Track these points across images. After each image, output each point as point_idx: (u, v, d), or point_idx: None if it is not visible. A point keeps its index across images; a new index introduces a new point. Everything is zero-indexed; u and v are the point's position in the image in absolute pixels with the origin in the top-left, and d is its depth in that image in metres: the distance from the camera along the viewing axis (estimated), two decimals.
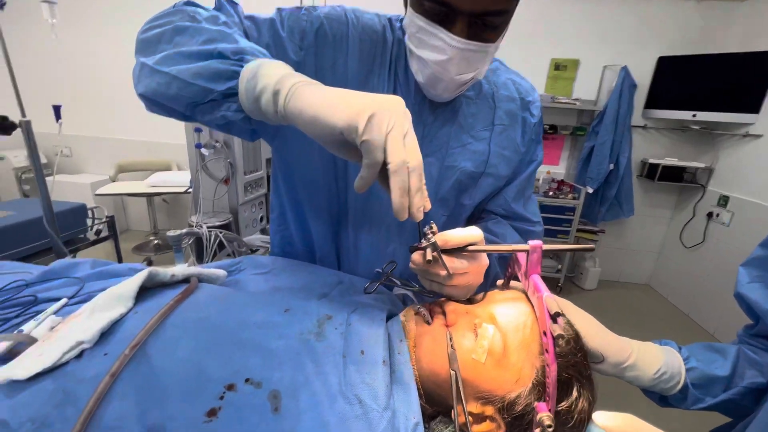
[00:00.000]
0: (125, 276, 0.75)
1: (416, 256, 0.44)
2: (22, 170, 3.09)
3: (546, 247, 0.42)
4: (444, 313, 0.43)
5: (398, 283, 0.52)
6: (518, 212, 0.73)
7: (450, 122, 0.66)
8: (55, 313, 0.57)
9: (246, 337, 0.40)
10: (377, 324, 0.43)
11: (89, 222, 1.66)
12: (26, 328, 0.53)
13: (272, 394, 0.35)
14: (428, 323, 0.43)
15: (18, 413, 0.37)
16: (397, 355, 0.42)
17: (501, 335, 0.40)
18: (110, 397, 0.37)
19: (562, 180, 3.06)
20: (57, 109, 1.39)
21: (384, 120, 0.37)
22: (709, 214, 2.75)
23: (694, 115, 2.66)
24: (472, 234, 0.45)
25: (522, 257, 0.44)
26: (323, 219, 0.68)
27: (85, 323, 0.45)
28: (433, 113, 0.65)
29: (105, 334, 0.44)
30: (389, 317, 0.47)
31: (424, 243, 0.42)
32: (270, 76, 0.42)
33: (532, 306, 0.42)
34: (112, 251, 1.84)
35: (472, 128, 0.67)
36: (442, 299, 0.46)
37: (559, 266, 3.06)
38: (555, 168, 3.19)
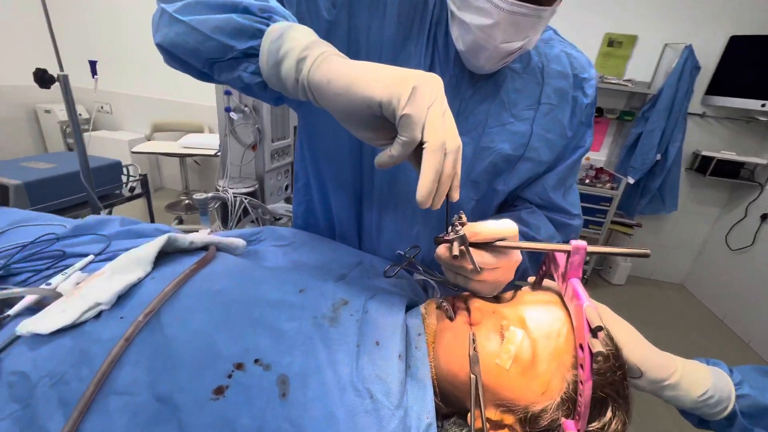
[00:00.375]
0: (151, 236, 0.76)
1: (442, 249, 0.40)
2: (66, 124, 3.22)
3: (591, 249, 0.37)
4: (468, 310, 0.40)
5: (420, 269, 0.49)
6: (556, 203, 0.67)
7: (490, 98, 0.60)
8: (81, 269, 0.58)
9: (258, 316, 0.38)
10: (395, 314, 0.40)
11: (124, 179, 1.71)
12: (54, 281, 0.55)
13: (281, 379, 0.34)
14: (450, 319, 0.40)
15: (38, 367, 0.38)
16: (414, 349, 0.39)
17: (530, 341, 0.36)
18: (123, 361, 0.37)
19: (601, 168, 2.88)
20: (93, 65, 1.40)
21: (426, 94, 0.33)
22: (764, 216, 2.53)
23: (763, 105, 2.39)
24: (506, 228, 0.41)
25: (561, 257, 0.39)
26: (346, 195, 0.65)
27: (104, 284, 0.45)
28: (472, 86, 0.59)
29: (122, 297, 0.44)
30: (409, 307, 0.45)
31: (451, 234, 0.38)
32: (298, 40, 0.38)
33: (568, 313, 0.38)
34: (144, 209, 1.91)
35: (515, 106, 0.61)
36: (467, 294, 0.43)
37: (587, 257, 2.94)
38: (595, 154, 3.00)
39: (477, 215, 0.66)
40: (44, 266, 0.60)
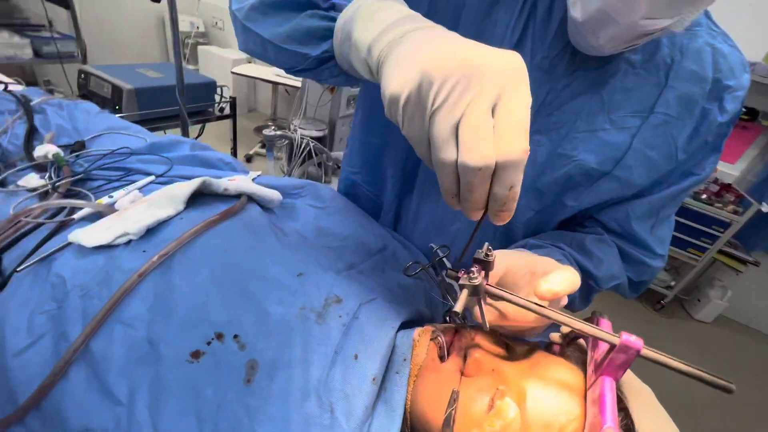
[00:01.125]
0: (213, 166, 0.81)
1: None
2: (185, 35, 3.50)
3: (648, 353, 0.27)
4: (465, 356, 0.34)
5: (443, 274, 0.43)
6: (639, 236, 0.55)
7: (588, 93, 0.47)
8: (140, 188, 0.63)
9: (252, 289, 0.38)
10: (386, 329, 0.37)
11: (217, 98, 1.83)
12: (116, 194, 0.60)
13: (250, 363, 0.34)
14: (441, 359, 0.35)
15: (74, 276, 0.43)
16: (394, 374, 0.36)
17: (522, 424, 0.30)
18: (134, 294, 0.39)
19: (728, 184, 2.36)
20: None
21: (448, 89, 0.26)
22: None
23: None
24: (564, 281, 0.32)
25: (603, 343, 0.31)
26: (391, 173, 0.60)
27: (140, 214, 0.48)
28: (569, 75, 0.47)
29: (151, 231, 0.46)
30: (413, 321, 0.41)
31: (463, 277, 0.31)
32: (362, 40, 0.33)
33: (585, 410, 0.30)
34: (233, 129, 2.05)
35: (617, 109, 0.48)
36: (473, 333, 0.36)
37: (673, 282, 2.55)
38: (726, 166, 2.45)
39: (532, 229, 0.57)
40: (115, 177, 0.67)
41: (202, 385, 0.32)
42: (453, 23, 0.47)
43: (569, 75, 0.47)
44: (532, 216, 0.55)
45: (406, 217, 0.62)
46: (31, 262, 0.46)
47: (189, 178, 0.66)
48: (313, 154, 1.26)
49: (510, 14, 0.46)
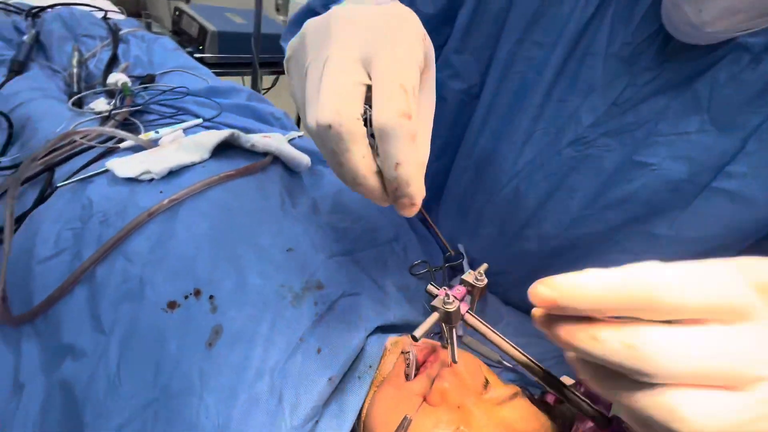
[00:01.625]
0: (264, 120, 0.82)
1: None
2: None
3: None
4: (432, 381, 0.30)
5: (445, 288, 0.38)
6: None
7: (680, 88, 0.37)
8: (186, 129, 0.65)
9: (240, 254, 0.37)
10: (359, 331, 0.34)
11: None
12: (162, 131, 0.63)
13: (216, 329, 0.33)
14: (407, 377, 0.31)
15: (100, 202, 0.45)
16: (356, 378, 0.33)
17: None
18: (141, 231, 0.41)
19: None
20: None
21: (316, 43, 0.24)
22: None
23: None
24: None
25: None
26: (433, 158, 0.56)
27: (168, 156, 0.49)
28: (657, 67, 0.36)
29: (173, 173, 0.48)
30: (392, 327, 0.37)
31: (440, 296, 0.25)
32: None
33: None
34: None
35: (725, 105, 0.36)
36: (450, 363, 0.31)
37: None
38: None
39: (597, 257, 0.47)
40: (168, 114, 0.71)
41: (169, 337, 0.33)
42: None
43: (657, 67, 0.37)
44: (594, 239, 0.46)
45: (434, 210, 0.58)
46: (73, 180, 0.50)
47: (233, 126, 0.67)
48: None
49: None
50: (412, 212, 0.25)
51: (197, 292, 0.35)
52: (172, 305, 0.35)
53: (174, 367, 0.32)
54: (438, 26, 0.48)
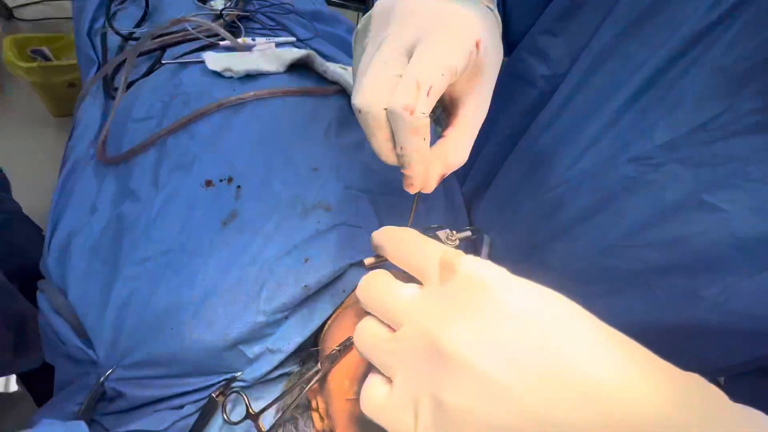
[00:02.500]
0: (351, 55, 0.84)
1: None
2: None
3: None
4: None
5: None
6: None
7: None
8: (278, 44, 0.70)
9: (273, 160, 0.42)
10: (342, 258, 0.36)
11: None
12: (258, 40, 0.68)
13: (233, 212, 0.38)
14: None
15: (188, 85, 0.53)
16: (328, 296, 0.36)
17: None
18: (207, 118, 0.47)
19: None
20: None
21: (376, 26, 0.25)
22: None
23: None
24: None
25: None
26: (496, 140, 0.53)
27: (250, 60, 0.54)
28: None
29: (249, 76, 0.52)
30: (377, 266, 0.39)
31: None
32: None
33: None
34: None
35: None
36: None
37: None
38: None
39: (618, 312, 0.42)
40: (269, 26, 0.76)
41: (198, 207, 0.39)
42: None
43: None
44: (623, 276, 0.41)
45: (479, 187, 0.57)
46: (175, 61, 0.57)
47: (320, 53, 0.70)
48: None
49: None
50: (411, 190, 0.27)
51: (230, 179, 0.40)
52: (208, 183, 0.40)
53: (193, 230, 0.38)
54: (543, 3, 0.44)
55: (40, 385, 0.82)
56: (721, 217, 0.32)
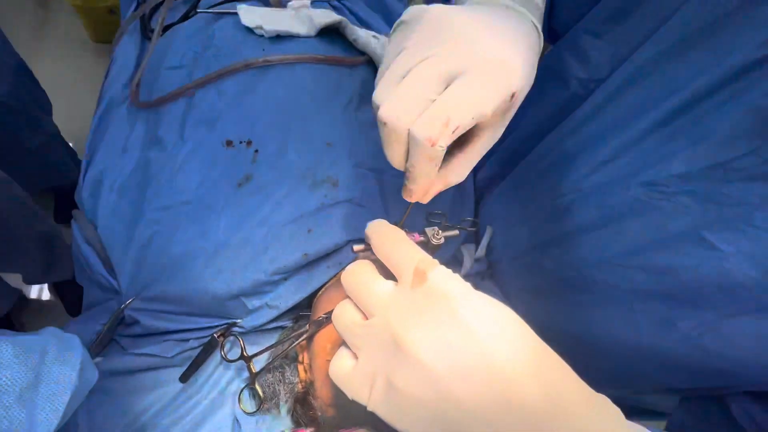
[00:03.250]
0: (389, 23, 0.81)
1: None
2: None
3: None
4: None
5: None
6: None
7: None
8: (312, 2, 0.68)
9: (291, 128, 0.43)
10: (342, 234, 0.39)
11: None
12: None
13: (248, 175, 0.41)
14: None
15: (219, 38, 0.54)
16: (325, 266, 0.39)
17: None
18: (235, 75, 0.48)
19: None
20: None
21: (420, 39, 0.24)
22: None
23: None
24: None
25: None
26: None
27: (282, 20, 0.54)
28: None
29: (280, 37, 0.53)
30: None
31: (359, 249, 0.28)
32: None
33: None
34: None
35: None
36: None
37: None
38: None
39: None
40: None
41: (217, 165, 0.42)
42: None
43: None
44: (608, 292, 0.41)
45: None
46: (210, 11, 0.58)
47: (356, 15, 0.69)
48: None
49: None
50: (409, 199, 0.28)
51: (249, 142, 0.42)
52: (229, 143, 0.43)
53: (211, 186, 0.41)
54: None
55: (70, 296, 0.92)
56: (716, 255, 0.33)
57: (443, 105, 0.22)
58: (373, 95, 0.24)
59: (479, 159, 0.27)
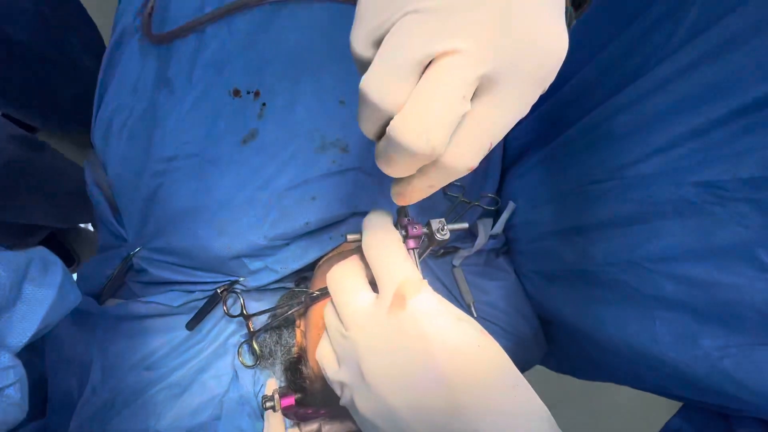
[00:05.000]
0: None
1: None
2: None
3: None
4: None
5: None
6: None
7: None
8: None
9: (301, 80, 0.39)
10: (346, 207, 0.36)
11: None
12: None
13: (253, 131, 0.38)
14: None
15: None
16: (327, 237, 0.38)
17: None
18: (247, 13, 0.43)
19: None
20: None
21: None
22: None
23: None
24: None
25: None
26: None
27: None
28: None
29: None
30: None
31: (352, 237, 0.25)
32: None
33: None
34: None
35: None
36: None
37: None
38: None
39: None
40: None
41: (222, 118, 0.39)
42: None
43: None
44: (624, 292, 0.37)
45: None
46: None
47: None
48: None
49: None
50: (400, 200, 0.22)
51: (257, 93, 0.39)
52: (236, 93, 0.40)
53: (216, 141, 0.39)
54: None
55: None
56: (765, 278, 0.28)
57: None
58: (362, 82, 0.17)
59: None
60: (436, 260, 0.50)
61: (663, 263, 0.34)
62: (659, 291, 0.34)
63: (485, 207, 0.49)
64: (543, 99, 0.50)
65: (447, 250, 0.51)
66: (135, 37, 0.50)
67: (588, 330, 0.42)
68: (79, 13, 0.76)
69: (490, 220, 0.51)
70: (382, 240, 0.21)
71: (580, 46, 0.40)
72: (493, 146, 0.18)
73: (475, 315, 0.48)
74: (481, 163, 0.52)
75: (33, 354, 0.36)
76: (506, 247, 0.55)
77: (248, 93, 0.39)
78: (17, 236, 0.78)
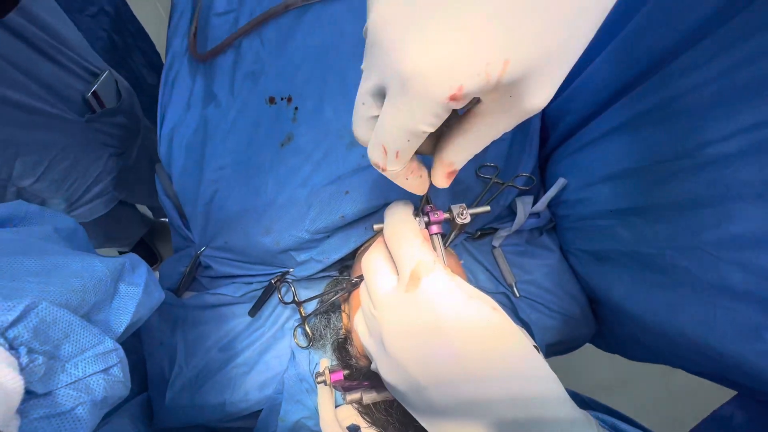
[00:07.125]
0: None
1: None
2: None
3: None
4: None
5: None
6: None
7: None
8: None
9: (328, 81, 0.41)
10: (379, 198, 0.38)
11: None
12: None
13: (289, 135, 0.41)
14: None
15: None
16: (364, 228, 0.40)
17: None
18: (275, 21, 0.46)
19: None
20: None
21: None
22: None
23: None
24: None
25: None
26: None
27: None
28: None
29: None
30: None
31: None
32: None
33: None
34: None
35: None
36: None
37: None
38: None
39: None
40: None
41: (262, 126, 0.42)
42: None
43: None
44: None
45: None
46: None
47: None
48: None
49: None
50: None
51: (289, 99, 0.42)
52: (271, 100, 0.43)
53: (258, 148, 0.42)
54: None
55: None
56: None
57: (377, 131, 0.18)
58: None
59: (480, 148, 0.20)
60: (475, 242, 0.51)
61: (732, 250, 0.31)
62: (724, 280, 0.32)
63: (519, 187, 0.48)
64: (606, 74, 0.44)
65: (485, 231, 0.51)
66: (185, 58, 0.56)
67: (637, 313, 0.40)
68: (139, 34, 0.85)
69: (530, 198, 0.49)
70: (400, 228, 0.23)
71: (663, 11, 0.35)
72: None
73: (518, 295, 0.48)
74: (516, 142, 0.50)
75: (135, 341, 0.44)
76: (552, 223, 0.53)
77: (282, 99, 0.42)
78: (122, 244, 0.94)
